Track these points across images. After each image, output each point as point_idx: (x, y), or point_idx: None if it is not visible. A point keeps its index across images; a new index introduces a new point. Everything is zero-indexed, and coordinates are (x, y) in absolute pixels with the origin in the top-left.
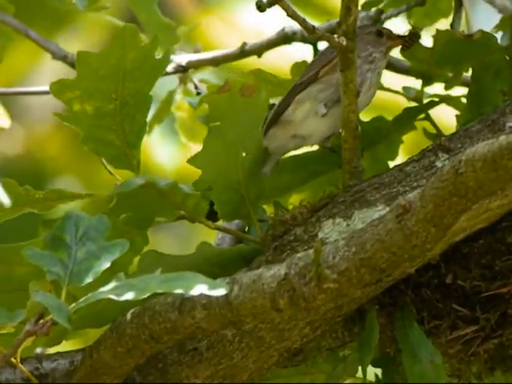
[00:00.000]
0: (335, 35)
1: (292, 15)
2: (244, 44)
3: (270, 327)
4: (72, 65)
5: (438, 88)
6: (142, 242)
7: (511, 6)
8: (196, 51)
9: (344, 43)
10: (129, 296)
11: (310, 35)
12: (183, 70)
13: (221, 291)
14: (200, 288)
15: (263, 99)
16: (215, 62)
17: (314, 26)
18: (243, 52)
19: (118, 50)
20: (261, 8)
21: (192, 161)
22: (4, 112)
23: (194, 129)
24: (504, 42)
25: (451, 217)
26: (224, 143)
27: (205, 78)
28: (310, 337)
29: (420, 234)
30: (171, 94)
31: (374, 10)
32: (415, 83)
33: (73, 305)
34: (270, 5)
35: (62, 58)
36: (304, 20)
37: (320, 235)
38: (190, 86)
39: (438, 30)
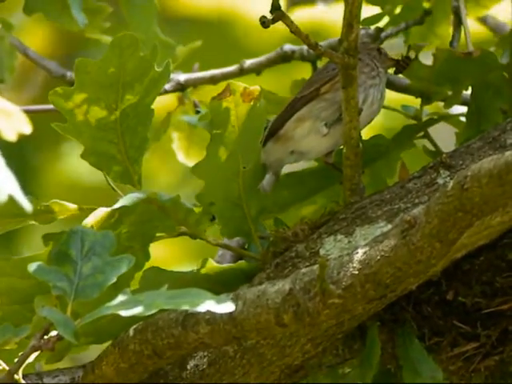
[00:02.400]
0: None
1: (295, 31)
2: (243, 62)
3: (272, 343)
4: (71, 84)
5: (437, 106)
6: (144, 257)
7: (504, 25)
8: (193, 72)
9: (346, 60)
10: (136, 311)
11: (312, 51)
12: (182, 89)
13: (228, 308)
14: (207, 304)
15: (263, 107)
16: (214, 81)
17: (316, 43)
18: (242, 70)
19: (116, 58)
20: (265, 24)
21: (195, 169)
22: (25, 117)
23: (190, 149)
24: (503, 60)
25: (456, 232)
26: (225, 153)
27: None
28: (312, 353)
29: (425, 249)
30: (170, 113)
31: (373, 28)
32: (414, 101)
33: (78, 320)
34: (274, 21)
35: (61, 76)
36: (307, 36)
37: (321, 252)
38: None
39: (437, 49)
